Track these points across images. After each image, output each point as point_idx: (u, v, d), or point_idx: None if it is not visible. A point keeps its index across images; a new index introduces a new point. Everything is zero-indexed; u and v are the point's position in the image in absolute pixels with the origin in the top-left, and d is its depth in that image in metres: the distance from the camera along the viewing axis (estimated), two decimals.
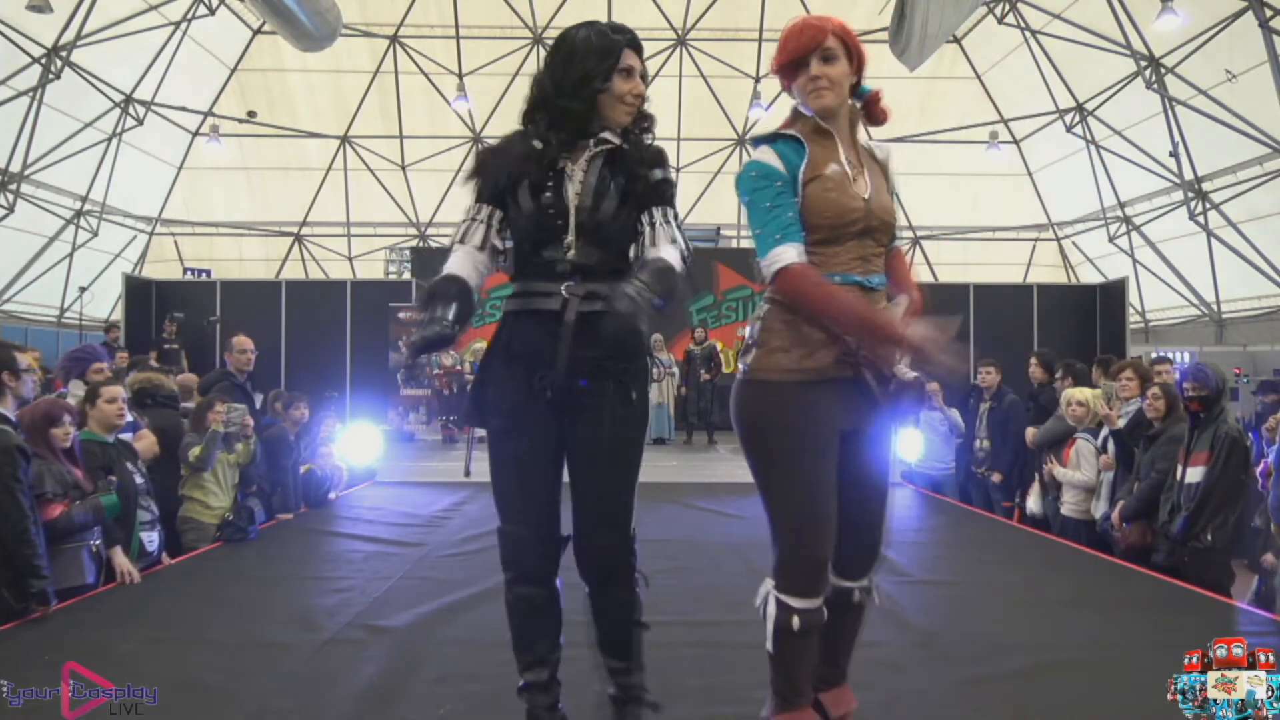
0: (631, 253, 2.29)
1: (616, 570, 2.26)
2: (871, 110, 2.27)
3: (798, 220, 2.10)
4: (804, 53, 2.13)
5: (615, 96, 2.21)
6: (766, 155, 2.15)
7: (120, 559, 3.98)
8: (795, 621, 2.11)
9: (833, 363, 2.14)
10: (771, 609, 2.13)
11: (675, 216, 2.27)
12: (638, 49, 2.26)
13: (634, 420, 2.24)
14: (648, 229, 2.24)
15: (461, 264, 2.27)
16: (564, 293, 2.17)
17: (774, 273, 2.10)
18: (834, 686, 2.36)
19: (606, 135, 2.24)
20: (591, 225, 2.21)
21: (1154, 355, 8.45)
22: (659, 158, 2.29)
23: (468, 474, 2.41)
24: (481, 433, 2.44)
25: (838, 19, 2.20)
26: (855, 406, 2.17)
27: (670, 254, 2.19)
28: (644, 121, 2.30)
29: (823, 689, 2.35)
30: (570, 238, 2.20)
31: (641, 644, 2.34)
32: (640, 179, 2.24)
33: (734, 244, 18.14)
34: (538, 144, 2.22)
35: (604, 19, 2.48)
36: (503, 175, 2.25)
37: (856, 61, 2.18)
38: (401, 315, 12.29)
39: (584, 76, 2.18)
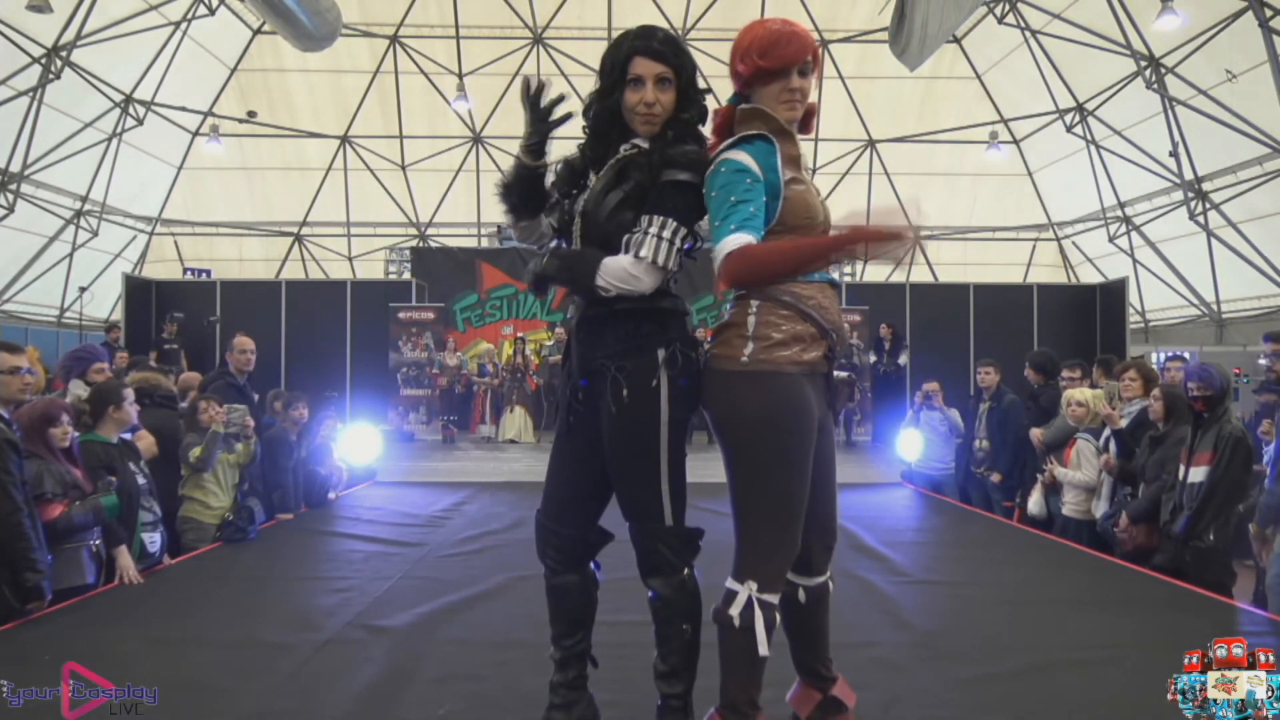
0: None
1: (650, 564, 2.26)
2: (806, 121, 2.31)
3: (760, 216, 2.08)
4: (791, 63, 2.17)
5: (628, 110, 2.21)
6: (739, 155, 2.13)
7: (124, 558, 3.98)
8: (777, 617, 2.14)
9: (821, 358, 2.21)
10: (759, 614, 2.10)
11: (666, 226, 2.14)
12: (653, 54, 2.18)
13: (635, 417, 2.19)
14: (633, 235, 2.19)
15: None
16: (575, 299, 2.30)
17: (724, 256, 2.04)
18: (835, 680, 2.39)
19: (637, 141, 2.25)
20: (592, 230, 2.24)
21: (1166, 355, 8.40)
22: (682, 159, 2.19)
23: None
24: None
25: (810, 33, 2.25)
26: (820, 402, 2.23)
27: (619, 260, 2.15)
28: (681, 128, 2.23)
29: (828, 686, 2.38)
30: (578, 245, 2.27)
31: (686, 651, 2.26)
32: (655, 180, 2.19)
33: None
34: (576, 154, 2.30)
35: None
36: (553, 192, 2.33)
37: (818, 76, 2.25)
38: (401, 315, 12.30)
39: (601, 91, 2.24)
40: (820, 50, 2.27)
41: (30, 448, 3.61)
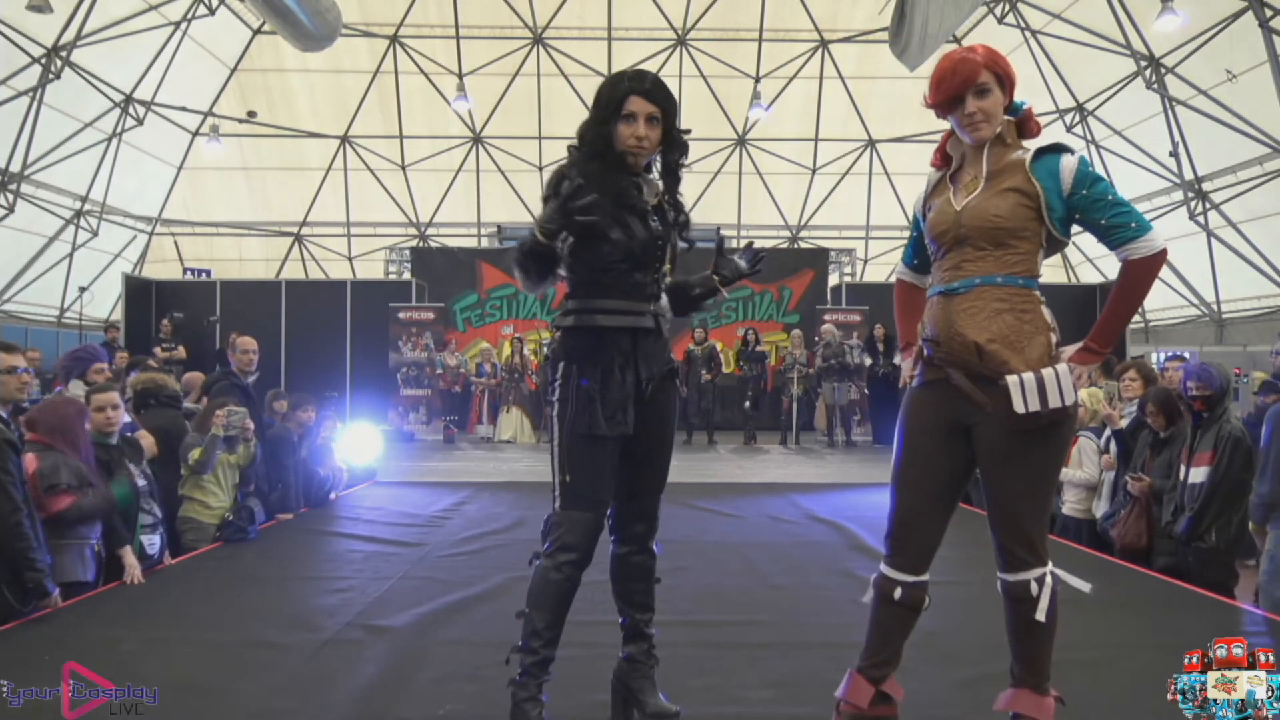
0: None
1: (654, 528, 2.62)
2: (1024, 125, 2.34)
3: (909, 248, 2.65)
4: (960, 92, 2.25)
5: (619, 140, 2.41)
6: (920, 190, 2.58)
7: (129, 557, 3.99)
8: (897, 592, 2.44)
9: (926, 368, 2.36)
10: (876, 574, 2.48)
11: None
12: (646, 94, 2.38)
13: (677, 408, 2.66)
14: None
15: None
16: (653, 310, 2.48)
17: None
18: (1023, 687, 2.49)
19: (659, 195, 2.54)
20: (675, 256, 2.57)
21: (1166, 355, 8.40)
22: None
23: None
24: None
25: (985, 47, 2.31)
26: (955, 408, 2.32)
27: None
28: (673, 154, 2.50)
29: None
30: (667, 265, 2.53)
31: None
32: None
33: (733, 244, 18.13)
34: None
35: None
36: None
37: (1009, 85, 2.28)
38: (401, 315, 12.30)
39: (595, 119, 2.42)
40: (1004, 63, 2.30)
41: (51, 441, 3.67)
